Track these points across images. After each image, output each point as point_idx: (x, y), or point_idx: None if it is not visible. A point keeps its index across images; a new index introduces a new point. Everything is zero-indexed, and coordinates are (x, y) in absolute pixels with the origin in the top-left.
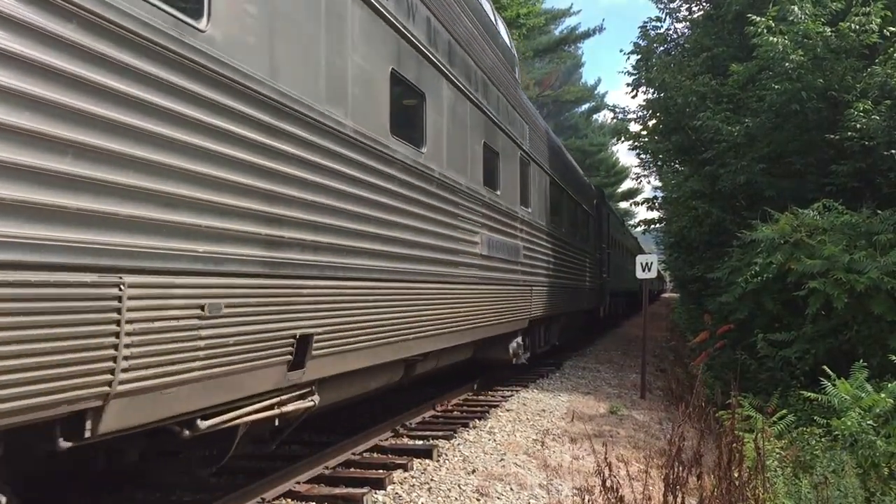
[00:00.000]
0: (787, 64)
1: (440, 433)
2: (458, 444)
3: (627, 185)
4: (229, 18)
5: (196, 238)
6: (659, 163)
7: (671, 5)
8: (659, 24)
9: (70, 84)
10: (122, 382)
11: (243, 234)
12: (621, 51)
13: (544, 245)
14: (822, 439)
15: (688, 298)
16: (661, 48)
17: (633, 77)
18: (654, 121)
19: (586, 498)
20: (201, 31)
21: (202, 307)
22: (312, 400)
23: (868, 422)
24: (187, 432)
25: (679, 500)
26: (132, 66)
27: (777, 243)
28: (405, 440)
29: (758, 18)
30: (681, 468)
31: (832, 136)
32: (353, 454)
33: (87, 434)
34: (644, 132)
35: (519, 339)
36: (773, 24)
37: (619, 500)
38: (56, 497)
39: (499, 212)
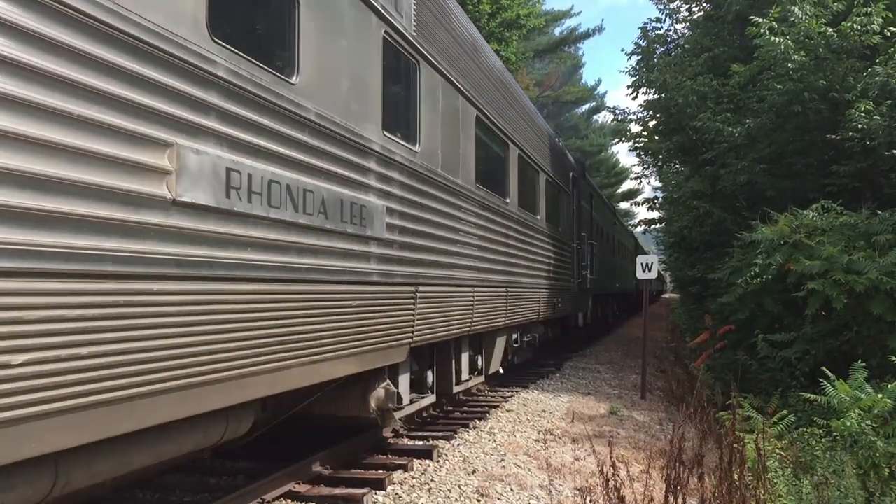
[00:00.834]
0: (788, 64)
1: (440, 433)
2: (458, 445)
3: (628, 185)
4: None
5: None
6: (659, 163)
7: (671, 6)
8: (659, 24)
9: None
10: None
11: None
12: (622, 50)
13: (459, 216)
14: (823, 440)
15: (688, 299)
16: (662, 49)
17: (634, 78)
18: (654, 121)
19: (587, 499)
20: None
21: None
22: None
23: (868, 422)
24: None
25: (680, 500)
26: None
27: (776, 244)
28: (405, 440)
29: (760, 20)
30: (682, 469)
31: (833, 137)
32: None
33: None
34: (644, 132)
35: (387, 384)
36: (776, 25)
37: (620, 500)
38: (55, 497)
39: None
